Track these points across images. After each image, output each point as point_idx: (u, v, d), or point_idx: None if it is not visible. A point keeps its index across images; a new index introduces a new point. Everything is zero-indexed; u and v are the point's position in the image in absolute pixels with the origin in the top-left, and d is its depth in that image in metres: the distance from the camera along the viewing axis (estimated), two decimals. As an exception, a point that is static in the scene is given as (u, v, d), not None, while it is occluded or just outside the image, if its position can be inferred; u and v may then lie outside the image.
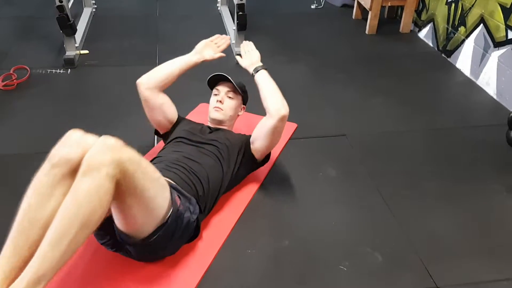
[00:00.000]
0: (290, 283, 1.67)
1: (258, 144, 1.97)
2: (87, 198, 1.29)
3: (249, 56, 2.08)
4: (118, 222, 1.50)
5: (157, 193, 1.48)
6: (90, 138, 1.43)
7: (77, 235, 1.28)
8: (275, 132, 1.92)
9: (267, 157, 2.05)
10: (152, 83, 2.02)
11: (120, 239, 1.58)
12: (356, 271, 1.72)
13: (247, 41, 2.15)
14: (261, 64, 2.04)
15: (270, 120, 1.89)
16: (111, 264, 1.68)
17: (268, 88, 1.95)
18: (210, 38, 2.13)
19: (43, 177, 1.38)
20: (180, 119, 2.14)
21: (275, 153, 2.31)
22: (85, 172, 1.31)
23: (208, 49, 2.09)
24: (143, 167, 1.43)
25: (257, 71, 2.01)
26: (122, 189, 1.36)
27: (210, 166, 1.86)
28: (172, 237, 1.60)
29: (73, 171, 1.36)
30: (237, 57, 2.10)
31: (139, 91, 2.03)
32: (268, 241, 1.84)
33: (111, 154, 1.32)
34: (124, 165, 1.34)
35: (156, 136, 2.31)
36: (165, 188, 1.53)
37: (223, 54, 2.13)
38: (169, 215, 1.53)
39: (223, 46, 2.13)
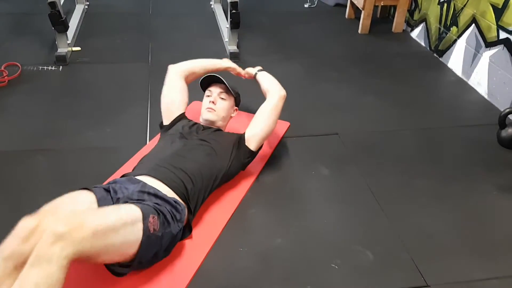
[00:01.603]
0: (282, 281, 1.68)
1: (256, 129, 2.08)
2: None
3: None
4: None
5: (126, 235, 1.45)
6: (44, 224, 1.35)
7: None
8: (275, 111, 2.13)
9: (259, 148, 2.11)
10: (183, 70, 2.27)
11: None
12: (348, 269, 1.73)
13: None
14: (262, 68, 2.39)
15: (271, 100, 2.16)
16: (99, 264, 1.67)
17: (269, 79, 2.31)
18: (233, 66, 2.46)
19: None
20: (182, 116, 2.17)
21: (267, 151, 2.32)
22: (34, 263, 1.26)
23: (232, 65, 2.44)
24: (105, 223, 1.39)
25: (260, 71, 2.37)
26: (85, 257, 1.34)
27: (201, 162, 1.86)
28: (157, 255, 1.60)
29: (26, 262, 1.30)
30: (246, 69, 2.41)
31: (172, 74, 2.26)
32: (260, 239, 1.85)
33: (61, 244, 1.27)
34: (79, 246, 1.30)
35: (148, 134, 2.30)
36: (135, 223, 1.48)
37: (245, 76, 2.45)
38: (138, 248, 1.49)
39: (241, 74, 2.46)
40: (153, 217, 1.54)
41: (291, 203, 2.05)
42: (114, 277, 1.57)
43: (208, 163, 1.88)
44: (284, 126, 2.55)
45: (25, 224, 1.37)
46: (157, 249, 1.58)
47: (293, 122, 2.59)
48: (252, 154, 2.08)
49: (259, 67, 2.40)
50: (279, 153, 2.37)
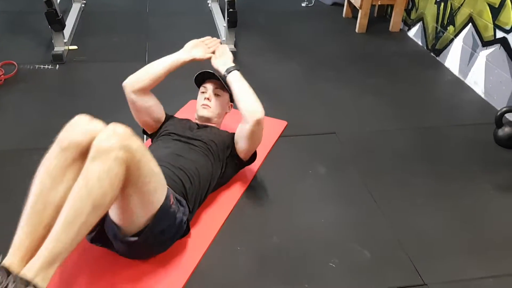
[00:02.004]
0: (279, 280, 1.67)
1: (239, 146, 1.97)
2: (98, 181, 1.32)
3: (221, 57, 2.03)
4: (113, 211, 1.50)
5: (157, 188, 1.50)
6: (98, 124, 1.47)
7: (89, 217, 1.32)
8: (254, 137, 1.91)
9: (253, 156, 2.04)
10: (138, 85, 1.97)
11: (109, 232, 1.56)
12: (345, 268, 1.73)
13: (223, 44, 2.10)
14: (233, 65, 1.98)
15: (246, 126, 1.87)
16: (99, 261, 1.67)
17: (241, 90, 1.91)
18: (201, 39, 2.08)
19: (54, 160, 1.42)
20: (168, 117, 2.13)
21: (265, 150, 2.32)
22: (95, 157, 1.35)
23: (198, 48, 2.03)
24: (148, 159, 1.46)
25: (229, 72, 1.95)
26: (127, 177, 1.38)
27: (199, 162, 1.85)
28: (162, 236, 1.59)
29: (83, 155, 1.40)
30: (212, 56, 2.03)
31: (125, 93, 2.00)
32: (258, 238, 1.85)
33: (120, 140, 1.36)
34: (132, 152, 1.37)
35: (144, 135, 2.29)
36: (164, 185, 1.54)
37: (212, 55, 2.04)
38: (158, 211, 1.52)
39: (213, 48, 2.06)
40: (172, 195, 1.59)
41: (288, 202, 2.04)
42: (114, 272, 1.58)
43: (205, 163, 1.87)
44: (281, 125, 2.55)
45: (81, 118, 1.49)
46: (166, 226, 1.57)
47: (290, 121, 2.59)
48: (244, 163, 2.05)
49: (231, 65, 1.98)
50: (276, 152, 2.36)
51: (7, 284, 1.23)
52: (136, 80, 1.98)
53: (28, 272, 1.26)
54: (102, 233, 1.61)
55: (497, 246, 1.86)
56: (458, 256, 1.81)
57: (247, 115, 1.86)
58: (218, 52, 2.05)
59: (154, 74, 1.97)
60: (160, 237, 1.59)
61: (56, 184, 1.40)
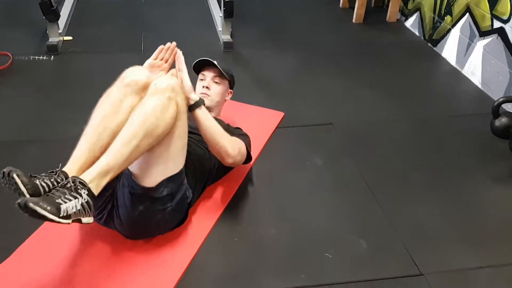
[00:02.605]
0: (276, 271, 1.68)
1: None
2: (153, 113, 1.50)
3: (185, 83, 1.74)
4: (136, 161, 1.56)
5: (181, 150, 1.63)
6: (154, 75, 1.68)
7: (142, 141, 1.49)
8: (236, 164, 1.86)
9: (247, 159, 1.92)
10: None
11: (125, 182, 1.60)
12: (342, 258, 1.74)
13: (179, 52, 1.83)
14: (197, 97, 1.74)
15: (225, 162, 1.80)
16: (98, 251, 1.68)
17: (211, 132, 1.72)
18: (152, 56, 1.84)
19: (116, 93, 1.62)
20: None
21: (262, 141, 2.31)
22: (153, 94, 1.55)
23: (154, 71, 1.79)
24: (185, 120, 1.62)
25: (198, 106, 1.72)
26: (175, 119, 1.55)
27: (197, 155, 1.84)
28: (170, 202, 1.62)
29: (140, 91, 1.61)
30: (178, 74, 1.76)
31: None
32: (255, 229, 1.85)
33: (174, 86, 1.57)
34: (180, 102, 1.58)
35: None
36: (184, 155, 1.66)
37: (175, 74, 1.73)
38: (176, 173, 1.62)
39: (170, 61, 1.84)
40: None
41: (285, 194, 2.04)
42: (112, 260, 1.59)
43: (203, 156, 1.86)
44: (278, 116, 2.54)
45: (139, 67, 1.71)
46: (175, 191, 1.63)
47: (287, 112, 2.58)
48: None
49: (195, 96, 1.72)
50: (273, 143, 2.36)
51: (66, 183, 1.38)
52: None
53: (85, 177, 1.42)
54: (108, 210, 1.65)
55: (494, 236, 1.87)
56: (454, 246, 1.81)
57: (218, 157, 1.79)
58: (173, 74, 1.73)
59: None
60: (168, 201, 1.61)
61: (116, 112, 1.58)
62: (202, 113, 1.72)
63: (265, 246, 1.77)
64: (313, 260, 1.72)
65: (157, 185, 1.58)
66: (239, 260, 1.71)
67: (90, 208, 1.40)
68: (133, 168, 1.58)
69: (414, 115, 2.67)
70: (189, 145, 1.85)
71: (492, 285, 1.66)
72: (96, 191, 1.43)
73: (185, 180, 1.68)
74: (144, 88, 1.61)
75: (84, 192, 1.39)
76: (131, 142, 1.47)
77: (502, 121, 2.47)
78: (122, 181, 1.62)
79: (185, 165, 1.72)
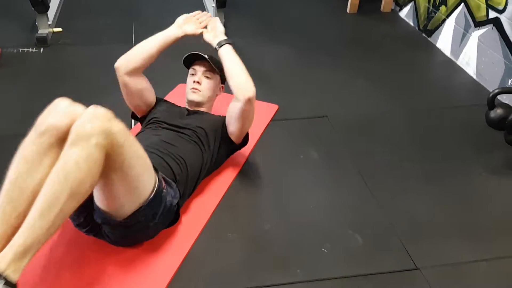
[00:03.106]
0: (271, 266, 1.66)
1: (231, 128, 1.92)
2: (76, 167, 1.27)
3: (213, 30, 1.94)
4: (99, 199, 1.46)
5: (143, 172, 1.46)
6: (79, 107, 1.42)
7: (66, 205, 1.27)
8: (245, 116, 1.85)
9: (245, 139, 2.00)
10: (131, 67, 1.90)
11: (98, 218, 1.52)
12: (337, 253, 1.72)
13: (214, 17, 2.03)
14: (225, 38, 1.90)
15: (237, 104, 1.82)
16: (88, 249, 1.64)
17: (232, 66, 1.84)
18: (192, 13, 2.00)
19: (31, 145, 1.37)
20: (158, 101, 2.09)
21: (256, 135, 2.28)
22: (74, 141, 1.29)
23: (189, 23, 1.95)
24: (131, 142, 1.41)
25: (221, 46, 1.86)
26: (109, 162, 1.34)
27: (188, 150, 1.81)
28: (153, 220, 1.56)
29: (61, 140, 1.35)
30: (203, 30, 1.96)
31: (117, 75, 1.93)
32: (249, 225, 1.83)
33: (100, 124, 1.30)
34: (113, 136, 1.32)
35: (132, 119, 2.24)
36: (150, 168, 1.50)
37: (205, 30, 1.96)
38: (152, 195, 1.49)
39: (205, 23, 1.98)
40: (162, 177, 1.55)
41: (280, 187, 2.02)
42: (104, 260, 1.56)
43: (195, 151, 1.84)
44: (272, 109, 2.52)
45: (60, 102, 1.42)
46: (157, 209, 1.54)
47: (282, 105, 2.55)
48: (236, 146, 2.01)
49: (222, 37, 1.91)
50: (267, 136, 2.33)
51: None
52: (128, 61, 1.91)
53: None
54: (90, 219, 1.57)
55: (489, 229, 1.86)
56: (450, 240, 1.80)
57: (238, 92, 1.80)
58: (209, 26, 1.97)
59: (147, 53, 1.90)
60: (151, 220, 1.56)
61: (33, 171, 1.34)
62: (224, 52, 1.85)
63: (260, 242, 1.75)
64: (309, 255, 1.71)
65: (131, 216, 1.47)
66: (234, 256, 1.69)
67: None
68: (100, 204, 1.46)
69: (408, 107, 2.65)
70: (180, 141, 1.82)
71: (488, 279, 1.65)
72: (16, 277, 1.22)
73: (164, 189, 1.56)
74: (67, 133, 1.34)
75: (0, 284, 1.19)
76: (51, 209, 1.25)
77: (497, 112, 2.46)
78: (95, 215, 1.52)
79: (173, 166, 1.70)
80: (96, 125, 1.30)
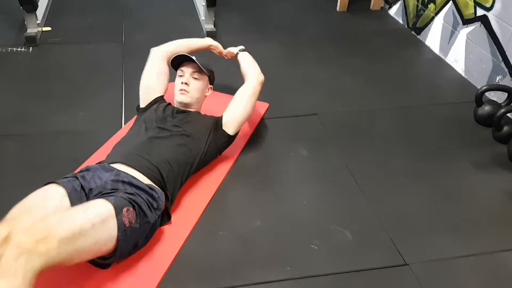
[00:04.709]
0: (262, 263, 1.67)
1: (234, 113, 2.04)
2: None
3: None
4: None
5: (98, 237, 1.41)
6: (11, 235, 1.29)
7: None
8: (253, 96, 2.12)
9: (232, 137, 2.05)
10: (167, 52, 2.21)
11: None
12: (327, 249, 1.73)
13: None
14: (244, 48, 2.37)
15: (250, 84, 2.14)
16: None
17: (251, 62, 2.28)
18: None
19: None
20: (159, 99, 2.11)
21: (247, 133, 2.29)
22: (1, 276, 1.22)
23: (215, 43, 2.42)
24: (68, 230, 1.32)
25: (242, 51, 2.36)
26: (56, 264, 1.30)
27: (177, 148, 1.82)
28: (136, 246, 1.58)
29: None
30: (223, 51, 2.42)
31: (153, 55, 2.21)
32: (240, 222, 1.83)
33: (26, 258, 1.23)
34: (45, 257, 1.26)
35: (123, 118, 2.25)
36: (106, 221, 1.43)
37: (227, 55, 2.44)
38: (116, 239, 1.46)
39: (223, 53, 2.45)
40: (128, 210, 1.49)
41: (270, 185, 2.03)
42: (93, 266, 1.55)
43: (184, 149, 1.84)
44: (263, 107, 2.52)
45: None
46: (136, 240, 1.56)
47: (272, 103, 2.56)
48: (230, 139, 2.04)
49: (242, 46, 2.38)
50: (258, 134, 2.34)
51: None
52: (169, 48, 2.24)
53: None
54: None
55: (477, 224, 1.88)
56: (438, 235, 1.82)
57: (252, 74, 2.19)
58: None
59: (184, 45, 2.29)
60: (134, 248, 1.57)
61: None
62: (242, 57, 2.33)
63: (250, 239, 1.76)
64: (299, 253, 1.72)
65: (116, 250, 1.47)
66: (224, 253, 1.70)
67: None
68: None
69: (397, 104, 2.67)
70: (168, 141, 1.82)
71: (475, 274, 1.67)
72: None
73: (133, 224, 1.50)
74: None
75: None
76: None
77: (485, 109, 2.48)
78: None
79: (159, 166, 1.70)
80: (22, 257, 1.23)
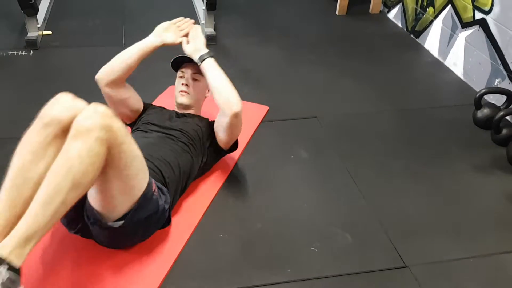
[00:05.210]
0: (262, 266, 1.67)
1: (219, 137, 1.93)
2: (79, 160, 1.30)
3: (193, 41, 1.93)
4: (93, 197, 1.47)
5: (138, 172, 1.48)
6: (80, 102, 1.46)
7: (68, 195, 1.29)
8: (232, 129, 1.86)
9: (234, 145, 1.99)
10: (111, 78, 1.91)
11: (89, 219, 1.53)
12: (327, 252, 1.74)
13: (195, 25, 2.01)
14: (206, 51, 1.89)
15: (223, 118, 1.83)
16: (80, 250, 1.65)
17: (216, 81, 1.84)
18: (173, 21, 1.99)
19: (35, 136, 1.41)
20: (146, 107, 2.08)
21: (246, 136, 2.29)
22: (76, 135, 1.32)
23: (169, 32, 1.95)
24: (130, 141, 1.44)
25: (203, 60, 1.86)
26: (108, 158, 1.36)
27: (178, 152, 1.82)
28: (145, 222, 1.57)
29: (64, 131, 1.38)
30: (183, 41, 1.95)
31: (99, 87, 1.95)
32: (240, 225, 1.84)
33: (101, 120, 1.34)
34: (113, 133, 1.35)
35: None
36: (145, 169, 1.52)
37: (185, 39, 1.95)
38: (141, 196, 1.50)
39: (186, 30, 1.97)
40: (154, 182, 1.57)
41: (270, 188, 2.04)
42: (96, 262, 1.56)
43: (185, 153, 1.84)
44: (263, 110, 2.53)
45: (63, 96, 1.47)
46: (149, 212, 1.55)
47: (272, 106, 2.57)
48: (225, 151, 2.01)
49: (205, 51, 1.89)
50: (258, 137, 2.35)
51: None
52: (108, 73, 1.92)
53: (2, 249, 1.22)
54: (83, 223, 1.58)
55: (477, 226, 1.89)
56: (438, 237, 1.83)
57: (223, 107, 1.81)
58: (190, 35, 1.96)
59: (125, 64, 1.90)
60: (143, 223, 1.57)
61: (37, 160, 1.37)
62: (207, 67, 1.85)
63: (250, 242, 1.76)
64: (299, 255, 1.72)
65: (127, 214, 1.49)
66: (225, 256, 1.70)
67: (16, 283, 1.22)
68: (94, 204, 1.48)
69: (397, 107, 2.68)
70: (169, 144, 1.83)
71: (475, 276, 1.68)
72: (19, 262, 1.24)
73: (155, 193, 1.56)
74: (69, 126, 1.37)
75: (3, 269, 1.20)
76: (54, 199, 1.27)
77: (484, 112, 2.49)
78: (87, 215, 1.52)
79: (162, 169, 1.71)
80: (97, 121, 1.33)
